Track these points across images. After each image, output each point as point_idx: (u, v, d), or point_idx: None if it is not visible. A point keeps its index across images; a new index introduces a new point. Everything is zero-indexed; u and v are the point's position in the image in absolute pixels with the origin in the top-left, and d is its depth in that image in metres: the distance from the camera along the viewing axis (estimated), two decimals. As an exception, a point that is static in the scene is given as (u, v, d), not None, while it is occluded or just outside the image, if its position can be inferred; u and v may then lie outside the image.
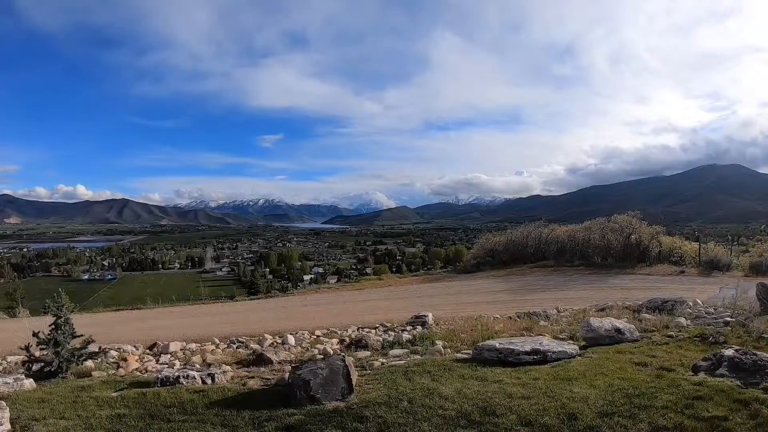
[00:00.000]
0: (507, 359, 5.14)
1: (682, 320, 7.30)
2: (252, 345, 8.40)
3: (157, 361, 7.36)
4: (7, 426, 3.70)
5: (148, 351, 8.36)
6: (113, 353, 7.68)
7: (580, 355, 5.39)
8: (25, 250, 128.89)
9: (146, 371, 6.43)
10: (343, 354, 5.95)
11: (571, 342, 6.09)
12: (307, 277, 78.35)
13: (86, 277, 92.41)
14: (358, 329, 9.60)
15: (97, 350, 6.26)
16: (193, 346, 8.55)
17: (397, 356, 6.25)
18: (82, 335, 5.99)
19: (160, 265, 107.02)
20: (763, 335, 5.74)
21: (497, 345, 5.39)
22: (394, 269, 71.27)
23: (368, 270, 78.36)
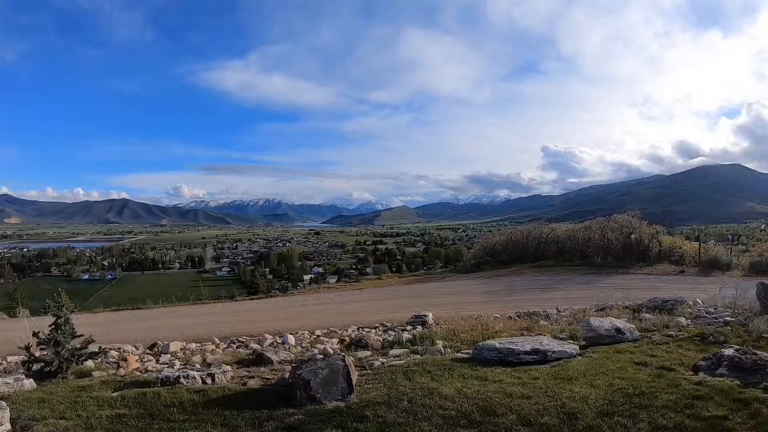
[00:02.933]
0: (507, 359, 5.14)
1: (682, 320, 7.30)
2: (252, 345, 8.40)
3: (157, 361, 7.36)
4: (7, 426, 3.70)
5: (148, 351, 8.36)
6: (113, 353, 7.67)
7: (580, 355, 5.39)
8: (25, 250, 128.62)
9: (146, 371, 6.43)
10: (343, 354, 5.95)
11: (571, 342, 6.09)
12: (307, 277, 78.14)
13: (86, 277, 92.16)
14: (358, 329, 9.60)
15: (97, 350, 6.26)
16: (193, 346, 8.55)
17: (397, 356, 6.25)
18: (82, 335, 5.99)
19: (160, 265, 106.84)
20: (763, 335, 5.74)
21: (497, 345, 5.40)
22: (394, 269, 71.19)
23: (368, 270, 78.28)
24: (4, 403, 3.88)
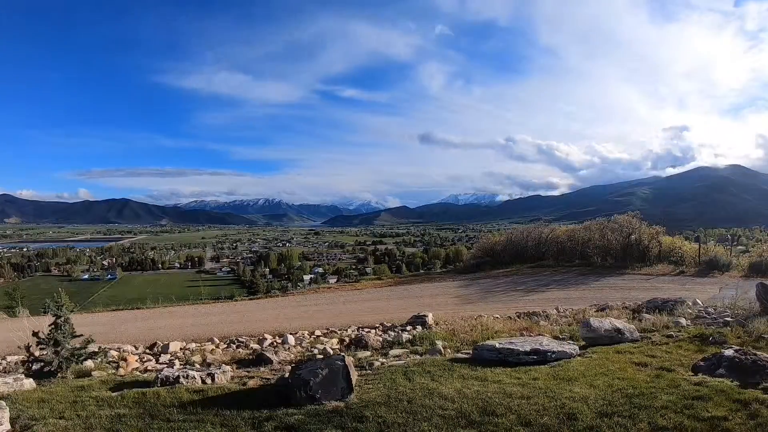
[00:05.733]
0: (507, 359, 5.14)
1: (682, 320, 7.30)
2: (252, 345, 8.40)
3: (157, 360, 7.36)
4: (7, 426, 3.70)
5: (148, 351, 8.36)
6: (113, 353, 7.67)
7: (580, 355, 5.39)
8: (25, 249, 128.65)
9: (146, 371, 6.43)
10: (342, 354, 5.95)
11: (571, 342, 6.08)
12: (306, 277, 78.26)
13: (86, 276, 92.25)
14: (357, 329, 9.60)
15: (96, 350, 6.26)
16: (193, 345, 8.56)
17: (397, 356, 6.25)
18: (81, 335, 5.99)
19: (160, 265, 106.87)
20: (763, 335, 5.74)
21: (497, 345, 5.40)
22: (394, 269, 71.29)
23: (368, 270, 78.33)
24: (3, 403, 3.88)
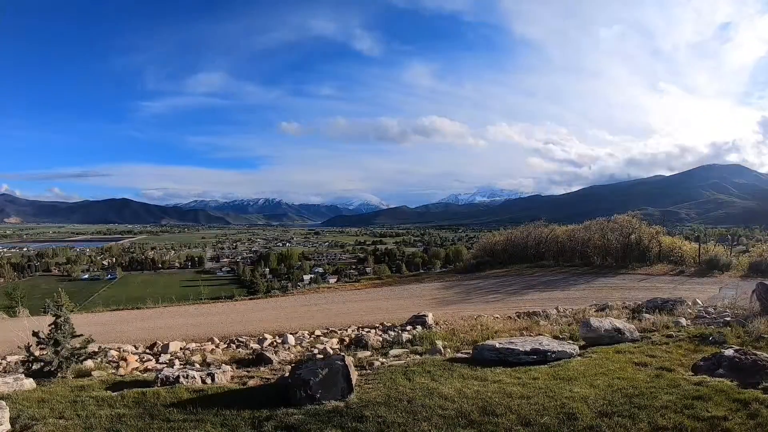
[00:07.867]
0: (507, 359, 5.14)
1: (682, 320, 7.30)
2: (252, 345, 8.40)
3: (157, 360, 7.36)
4: (7, 426, 3.70)
5: (147, 350, 8.36)
6: (113, 353, 7.66)
7: (580, 355, 5.39)
8: (25, 249, 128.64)
9: (146, 371, 6.42)
10: (342, 354, 5.95)
11: (571, 342, 6.09)
12: (306, 277, 78.17)
13: (86, 276, 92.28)
14: (357, 329, 9.60)
15: (96, 350, 6.26)
16: (193, 345, 8.55)
17: (397, 356, 6.25)
18: (81, 335, 5.98)
19: (160, 265, 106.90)
20: (763, 335, 5.74)
21: (497, 345, 5.40)
22: (393, 269, 71.22)
23: (368, 270, 78.34)
24: (3, 403, 3.88)
